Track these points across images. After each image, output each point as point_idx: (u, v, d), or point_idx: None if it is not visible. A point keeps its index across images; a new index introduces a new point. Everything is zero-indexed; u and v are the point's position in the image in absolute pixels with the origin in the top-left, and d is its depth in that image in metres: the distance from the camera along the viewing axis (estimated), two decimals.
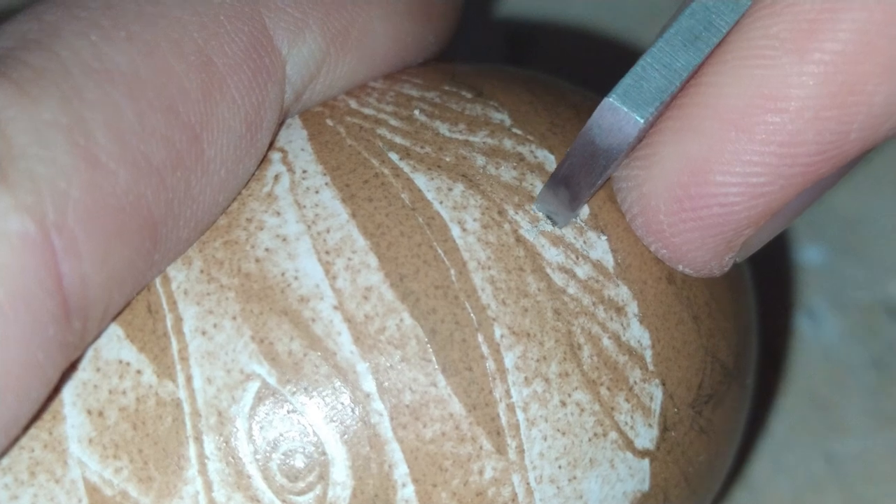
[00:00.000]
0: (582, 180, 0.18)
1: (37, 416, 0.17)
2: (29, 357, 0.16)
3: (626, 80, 0.18)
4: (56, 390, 0.17)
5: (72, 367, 0.18)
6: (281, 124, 0.19)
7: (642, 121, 0.17)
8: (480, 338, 0.18)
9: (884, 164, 0.30)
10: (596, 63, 0.31)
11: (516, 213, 0.18)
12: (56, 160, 0.16)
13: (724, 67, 0.17)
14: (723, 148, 0.17)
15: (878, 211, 0.29)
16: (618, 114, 0.17)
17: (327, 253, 0.18)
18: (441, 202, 0.18)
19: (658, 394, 0.19)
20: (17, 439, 0.17)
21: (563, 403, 0.18)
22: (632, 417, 0.18)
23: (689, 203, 0.18)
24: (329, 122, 0.19)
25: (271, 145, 0.19)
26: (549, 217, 0.18)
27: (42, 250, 0.16)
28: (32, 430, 0.18)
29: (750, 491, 0.25)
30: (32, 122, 0.16)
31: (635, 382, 0.18)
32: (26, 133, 0.16)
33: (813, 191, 0.18)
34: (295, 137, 0.19)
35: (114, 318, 0.18)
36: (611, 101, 0.17)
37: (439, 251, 0.18)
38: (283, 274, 0.18)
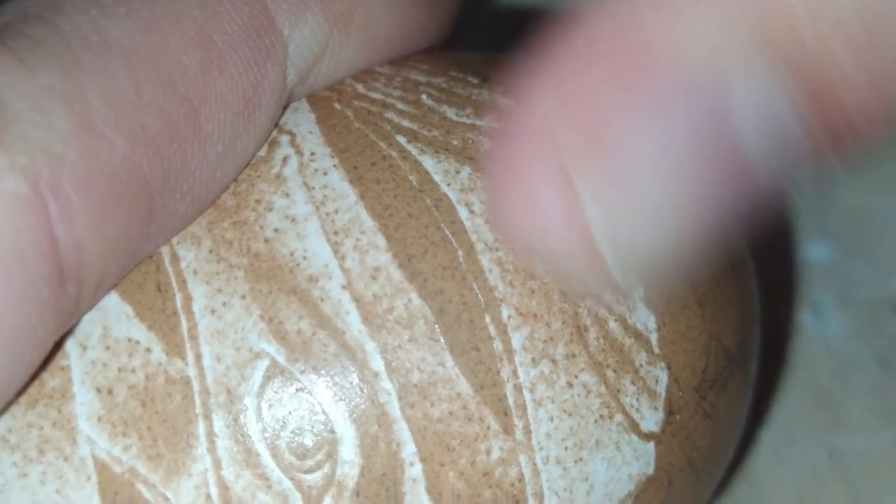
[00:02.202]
0: None
1: (28, 384, 0.17)
2: (22, 319, 0.16)
3: None
4: (46, 361, 0.18)
5: (83, 349, 0.18)
6: (286, 106, 0.19)
7: None
8: (488, 318, 0.18)
9: (891, 161, 0.30)
10: None
11: None
12: (52, 125, 0.16)
13: None
14: None
15: (885, 207, 0.29)
16: None
17: (336, 233, 0.18)
18: (449, 184, 0.18)
19: (663, 377, 0.19)
20: (7, 405, 0.17)
21: (570, 385, 0.18)
22: (637, 400, 0.19)
23: None
24: (337, 105, 0.19)
25: (279, 128, 0.19)
26: None
27: (36, 212, 0.16)
28: (41, 409, 0.18)
29: (752, 485, 0.25)
30: (29, 88, 0.16)
31: (641, 365, 0.19)
32: (22, 98, 0.16)
33: None
34: (303, 121, 0.19)
35: (111, 289, 0.18)
36: None
37: (447, 232, 0.18)
38: (291, 254, 0.18)
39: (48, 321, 0.17)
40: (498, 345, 0.18)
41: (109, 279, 0.18)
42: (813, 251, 0.28)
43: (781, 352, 0.27)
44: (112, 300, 0.18)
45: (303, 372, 0.18)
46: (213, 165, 0.18)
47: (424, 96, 0.19)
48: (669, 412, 0.19)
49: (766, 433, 0.26)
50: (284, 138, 0.19)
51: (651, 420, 0.19)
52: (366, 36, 0.19)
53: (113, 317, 0.18)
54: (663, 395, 0.19)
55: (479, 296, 0.18)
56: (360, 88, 0.20)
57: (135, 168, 0.17)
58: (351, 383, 0.18)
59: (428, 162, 0.19)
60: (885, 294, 0.28)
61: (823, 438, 0.26)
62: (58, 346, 0.18)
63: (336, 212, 0.18)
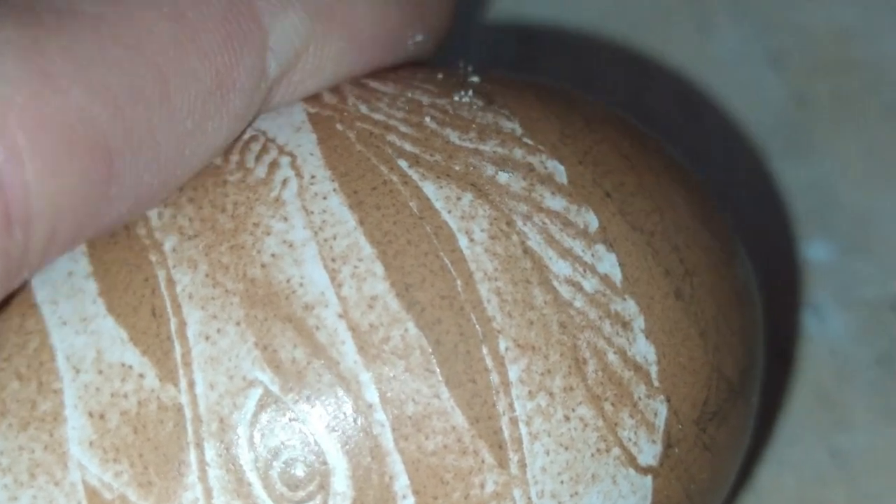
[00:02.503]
0: None
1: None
2: None
3: None
4: (40, 383, 0.18)
5: (76, 371, 0.18)
6: (266, 97, 0.19)
7: None
8: (485, 350, 0.18)
9: (892, 160, 0.29)
10: (601, 68, 0.31)
11: (524, 224, 0.18)
12: (2, 70, 0.16)
13: None
14: None
15: (886, 207, 0.29)
16: None
17: (333, 260, 0.18)
18: (449, 211, 0.18)
19: (663, 410, 0.19)
20: None
21: (567, 418, 0.18)
22: (635, 433, 0.18)
23: None
24: (339, 126, 0.19)
25: (280, 148, 0.19)
26: None
27: None
28: (33, 432, 0.18)
29: (755, 487, 0.25)
30: None
31: (640, 398, 0.18)
32: None
33: None
34: (304, 141, 0.19)
35: (67, 249, 0.18)
36: None
37: (446, 261, 0.18)
38: (288, 280, 0.18)
39: None
40: (494, 377, 0.18)
41: (63, 235, 0.17)
42: (814, 251, 0.28)
43: (783, 353, 0.27)
44: (107, 323, 0.18)
45: (296, 402, 0.17)
46: (181, 140, 0.18)
47: (428, 118, 0.19)
48: (668, 445, 0.19)
49: (769, 436, 0.26)
50: (285, 160, 0.19)
51: (649, 453, 0.19)
52: (350, 34, 0.20)
53: (107, 340, 0.18)
54: (662, 428, 0.19)
55: (477, 327, 0.18)
56: (364, 108, 0.19)
57: (92, 121, 0.17)
58: (345, 414, 0.17)
59: (429, 188, 0.18)
60: (886, 294, 0.27)
61: (825, 439, 0.26)
62: (49, 364, 0.18)
63: (334, 237, 0.18)
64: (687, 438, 0.19)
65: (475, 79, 0.20)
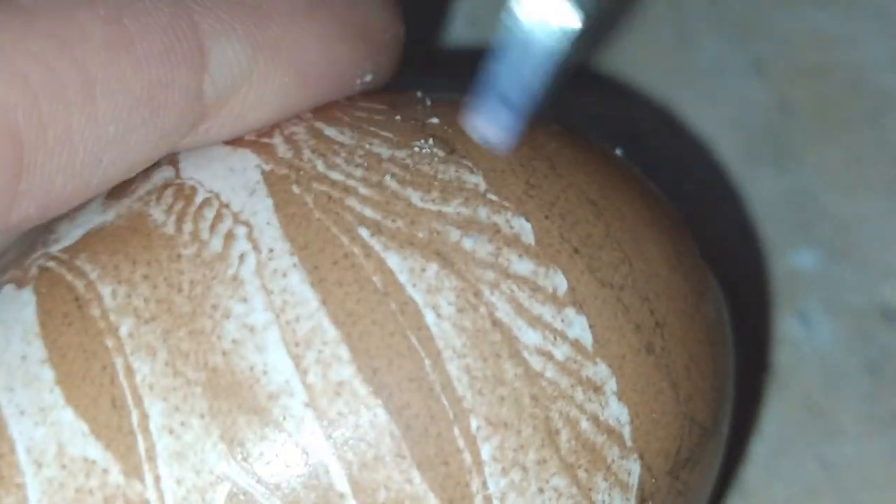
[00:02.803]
0: (517, 87, 0.17)
1: None
2: None
3: None
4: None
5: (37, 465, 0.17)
6: (198, 122, 0.19)
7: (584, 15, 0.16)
8: (456, 431, 0.17)
9: (877, 167, 0.29)
10: (582, 79, 0.30)
11: (492, 293, 0.18)
12: None
13: None
14: None
15: (872, 214, 0.28)
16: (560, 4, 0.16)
17: (297, 345, 0.17)
18: (414, 285, 0.18)
19: (636, 468, 0.18)
20: None
21: (541, 490, 0.18)
22: (609, 495, 0.18)
23: None
24: (295, 189, 0.18)
25: (235, 216, 0.18)
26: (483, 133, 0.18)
27: None
28: None
29: (744, 497, 0.25)
30: None
31: (613, 461, 0.18)
32: None
33: None
34: (260, 208, 0.18)
35: None
36: None
37: (413, 340, 0.17)
38: (251, 368, 0.17)
39: None
40: (467, 457, 0.17)
41: None
42: (799, 259, 0.28)
43: (771, 362, 0.27)
44: (67, 415, 0.17)
45: (266, 495, 0.17)
46: (100, 146, 0.18)
47: (388, 177, 0.18)
48: (641, 500, 0.19)
49: (757, 445, 0.26)
50: (241, 230, 0.18)
51: None
52: (294, 70, 0.19)
53: (68, 433, 0.17)
54: (636, 485, 0.19)
55: (448, 407, 0.17)
56: (321, 166, 0.19)
57: (6, 109, 0.17)
58: None
59: (392, 259, 0.18)
60: (873, 300, 0.27)
61: (815, 449, 0.26)
62: (10, 457, 0.17)
63: (297, 320, 0.17)
64: (660, 490, 0.19)
65: (434, 119, 0.20)
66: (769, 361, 0.26)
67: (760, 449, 0.25)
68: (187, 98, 0.18)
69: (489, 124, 0.18)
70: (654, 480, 0.19)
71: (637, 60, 0.30)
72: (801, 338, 0.27)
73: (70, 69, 0.17)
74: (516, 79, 0.17)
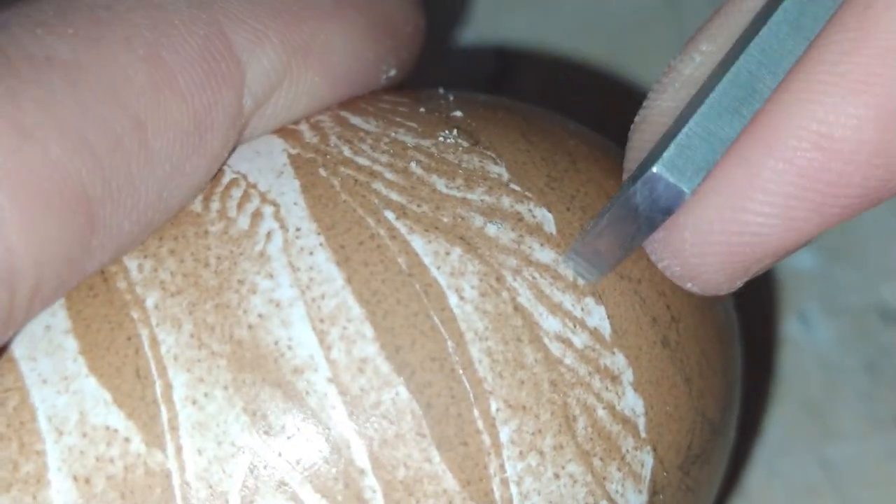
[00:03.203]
0: (617, 244, 0.18)
1: None
2: None
3: (672, 150, 0.17)
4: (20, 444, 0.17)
5: (59, 433, 0.17)
6: (241, 132, 0.19)
7: (688, 192, 0.17)
8: (476, 412, 0.18)
9: None
10: (578, 86, 0.30)
11: (514, 279, 0.18)
12: None
13: (778, 102, 0.17)
14: (769, 179, 0.17)
15: (871, 215, 0.29)
16: (664, 184, 0.17)
17: (322, 321, 0.17)
18: (439, 267, 0.18)
19: (649, 460, 0.19)
20: None
21: (557, 476, 0.18)
22: (623, 486, 0.18)
23: (720, 227, 0.17)
24: (322, 172, 0.19)
25: (262, 196, 0.18)
26: (576, 272, 0.18)
27: None
28: (16, 493, 0.17)
29: (745, 497, 0.25)
30: None
31: (627, 451, 0.18)
32: None
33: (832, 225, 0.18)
34: (287, 189, 0.18)
35: (51, 302, 0.18)
36: (657, 172, 0.17)
37: (436, 321, 0.18)
38: (276, 343, 0.17)
39: None
40: (486, 439, 0.18)
41: (47, 290, 0.17)
42: (798, 259, 0.28)
43: (770, 362, 0.27)
44: (89, 384, 0.17)
45: (286, 468, 0.17)
46: (160, 184, 0.18)
47: (413, 164, 0.19)
48: (653, 493, 0.19)
49: (757, 446, 0.26)
50: (268, 209, 0.18)
51: (635, 503, 0.19)
52: (325, 69, 0.19)
53: (90, 402, 0.17)
54: (648, 477, 0.19)
55: (468, 388, 0.18)
56: (347, 151, 0.19)
57: (71, 174, 0.17)
58: (336, 480, 0.17)
59: (417, 242, 0.18)
60: (872, 300, 0.28)
61: (815, 449, 0.26)
62: (30, 424, 0.17)
63: (322, 297, 0.18)
64: (671, 484, 0.19)
65: (458, 113, 0.20)
66: (769, 361, 0.27)
67: (760, 448, 0.26)
68: (231, 115, 0.18)
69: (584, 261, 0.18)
70: (665, 474, 0.19)
71: (637, 60, 0.30)
72: (801, 338, 0.27)
73: (122, 118, 0.17)
74: (619, 233, 0.18)
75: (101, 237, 0.17)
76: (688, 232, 0.18)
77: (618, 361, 0.18)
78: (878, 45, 0.16)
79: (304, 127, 0.19)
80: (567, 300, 0.18)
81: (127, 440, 0.17)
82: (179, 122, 0.18)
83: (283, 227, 0.18)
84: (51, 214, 0.16)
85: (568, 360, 0.18)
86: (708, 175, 0.17)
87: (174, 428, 0.17)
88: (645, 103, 0.18)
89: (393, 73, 0.21)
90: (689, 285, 0.18)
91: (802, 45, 0.17)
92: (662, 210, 0.17)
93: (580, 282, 0.18)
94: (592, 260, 0.18)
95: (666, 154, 0.17)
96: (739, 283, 0.18)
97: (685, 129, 0.17)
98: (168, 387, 0.17)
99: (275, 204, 0.18)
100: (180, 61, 0.18)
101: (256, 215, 0.18)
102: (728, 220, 0.17)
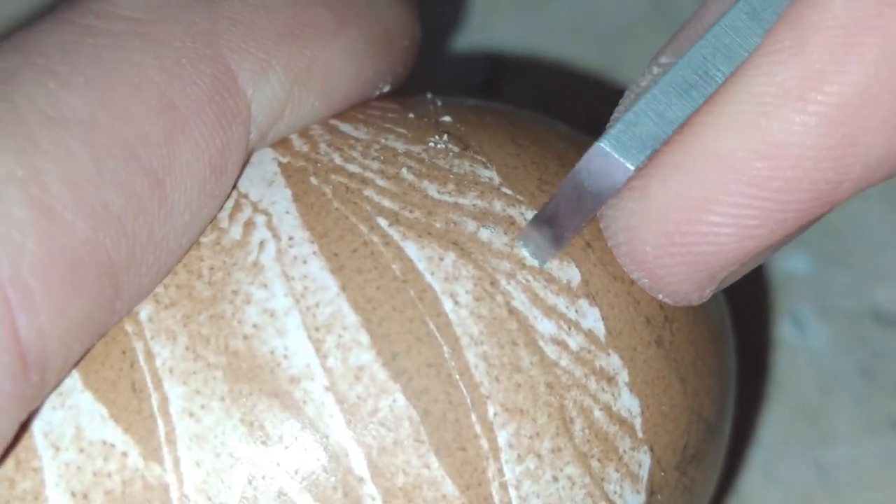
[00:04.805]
0: (567, 222, 0.18)
1: None
2: None
3: (619, 126, 0.17)
4: (11, 446, 0.17)
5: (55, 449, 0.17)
6: (246, 162, 0.19)
7: (632, 168, 0.17)
8: (474, 417, 0.18)
9: None
10: (569, 91, 0.30)
11: (508, 283, 0.18)
12: (10, 214, 0.16)
13: (724, 112, 0.17)
14: (719, 190, 0.17)
15: (864, 218, 0.29)
16: (608, 159, 0.17)
17: (317, 329, 0.17)
18: (433, 273, 0.18)
19: (646, 460, 0.19)
20: None
21: (555, 478, 0.18)
22: (620, 486, 0.18)
23: (679, 239, 0.18)
24: (313, 180, 0.19)
25: (254, 206, 0.18)
26: (530, 254, 0.18)
27: None
28: None
29: (741, 501, 0.25)
30: None
31: (625, 451, 0.18)
32: None
33: (799, 229, 0.18)
34: (278, 198, 0.18)
35: (72, 369, 0.17)
36: (602, 146, 0.17)
37: (432, 326, 0.18)
38: (272, 352, 0.17)
39: (11, 412, 0.16)
40: (484, 443, 0.18)
41: (73, 360, 0.17)
42: (791, 262, 0.28)
43: (764, 366, 0.27)
44: (85, 399, 0.17)
45: (285, 478, 0.17)
46: (179, 234, 0.18)
47: (404, 170, 0.19)
48: (651, 493, 0.19)
49: (752, 450, 0.26)
50: (260, 219, 0.18)
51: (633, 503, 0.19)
52: (325, 92, 0.19)
53: (86, 417, 0.17)
54: (645, 477, 0.19)
55: (465, 393, 0.18)
56: (337, 159, 0.19)
57: (97, 249, 0.16)
58: (335, 489, 0.17)
59: (411, 248, 0.18)
60: (866, 304, 0.28)
61: (810, 452, 0.26)
62: (23, 429, 0.17)
63: (317, 305, 0.18)
64: (669, 484, 0.19)
65: (447, 118, 0.20)
66: (763, 365, 0.27)
67: (755, 451, 0.26)
68: (241, 152, 0.18)
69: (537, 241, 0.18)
70: (663, 474, 0.19)
71: (627, 65, 0.30)
72: (795, 341, 0.27)
73: (142, 177, 0.17)
74: (568, 211, 0.18)
75: (125, 299, 0.17)
76: (649, 246, 0.18)
77: (613, 362, 0.18)
78: (818, 50, 0.16)
79: (293, 135, 0.19)
80: (561, 303, 0.18)
81: (124, 454, 0.17)
82: (196, 172, 0.17)
83: (276, 236, 0.18)
84: (80, 292, 0.16)
85: (563, 363, 0.18)
86: (653, 153, 0.17)
87: (171, 441, 0.17)
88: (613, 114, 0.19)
89: (387, 88, 0.21)
90: (660, 296, 0.19)
91: (760, 34, 0.17)
92: (607, 185, 0.17)
93: (533, 262, 0.18)
94: (545, 239, 0.18)
95: (612, 130, 0.17)
96: (709, 292, 0.19)
97: (634, 108, 0.17)
98: (164, 400, 0.17)
99: (267, 213, 0.18)
100: (192, 106, 0.17)
101: (248, 225, 0.18)
102: (684, 232, 0.17)
